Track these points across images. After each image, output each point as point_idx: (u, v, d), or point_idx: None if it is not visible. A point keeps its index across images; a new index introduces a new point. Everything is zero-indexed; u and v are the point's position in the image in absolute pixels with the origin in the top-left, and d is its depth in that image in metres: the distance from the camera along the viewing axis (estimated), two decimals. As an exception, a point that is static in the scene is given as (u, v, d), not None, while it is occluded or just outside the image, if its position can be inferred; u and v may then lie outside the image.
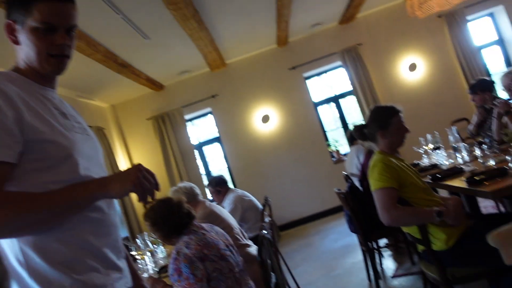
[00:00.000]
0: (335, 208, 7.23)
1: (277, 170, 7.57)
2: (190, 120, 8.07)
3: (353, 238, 5.00)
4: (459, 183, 2.63)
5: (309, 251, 5.58)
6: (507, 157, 2.51)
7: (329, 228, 6.54)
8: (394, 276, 3.71)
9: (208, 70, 7.64)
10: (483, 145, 3.21)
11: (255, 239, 2.86)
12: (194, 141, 7.89)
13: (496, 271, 2.13)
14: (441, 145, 3.78)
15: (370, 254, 3.62)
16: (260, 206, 4.04)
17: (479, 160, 3.07)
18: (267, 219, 2.97)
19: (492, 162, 2.80)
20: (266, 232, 2.30)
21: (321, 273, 4.47)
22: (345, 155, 7.44)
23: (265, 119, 7.58)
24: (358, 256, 4.40)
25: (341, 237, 5.61)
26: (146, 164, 1.26)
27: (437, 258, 2.21)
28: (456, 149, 3.44)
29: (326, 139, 7.76)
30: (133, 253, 3.26)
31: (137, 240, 3.31)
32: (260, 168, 7.59)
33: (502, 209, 4.06)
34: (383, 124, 2.44)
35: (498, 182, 2.25)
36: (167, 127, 7.53)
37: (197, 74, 7.68)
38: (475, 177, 2.44)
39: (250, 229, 3.86)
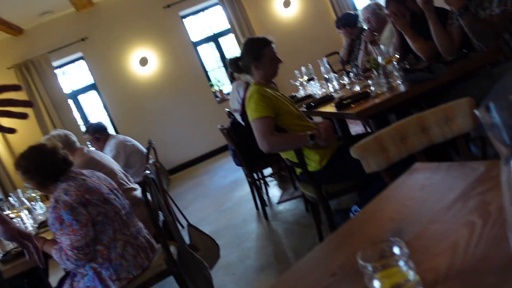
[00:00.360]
0: (223, 147, 7.39)
1: (161, 114, 7.41)
2: (60, 67, 7.40)
3: (241, 173, 5.19)
4: (330, 108, 2.84)
5: (199, 190, 5.69)
6: (369, 82, 2.74)
7: (217, 167, 6.69)
8: (279, 202, 3.97)
9: (73, 11, 6.97)
10: (350, 73, 3.48)
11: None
12: (67, 90, 7.30)
13: (362, 183, 2.38)
14: (314, 77, 4.00)
15: (256, 184, 3.81)
16: (144, 150, 3.95)
17: (346, 87, 3.33)
18: (151, 161, 2.92)
19: (357, 88, 3.05)
20: (149, 172, 2.26)
21: (212, 208, 4.61)
22: (228, 94, 7.52)
23: (143, 62, 7.26)
24: (246, 188, 4.59)
25: (229, 174, 5.79)
26: (13, 121, 1.09)
27: (312, 178, 2.40)
28: (327, 79, 3.66)
29: (209, 80, 7.74)
30: (7, 212, 3.01)
31: (10, 199, 3.05)
32: (143, 114, 7.36)
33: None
34: (256, 56, 2.48)
35: (362, 104, 2.47)
36: (33, 76, 6.83)
37: (62, 15, 6.97)
38: (343, 102, 2.65)
39: (136, 173, 3.77)
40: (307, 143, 2.31)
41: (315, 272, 0.90)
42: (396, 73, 2.64)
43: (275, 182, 4.62)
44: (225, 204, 4.56)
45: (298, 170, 2.53)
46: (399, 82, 2.59)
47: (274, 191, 4.37)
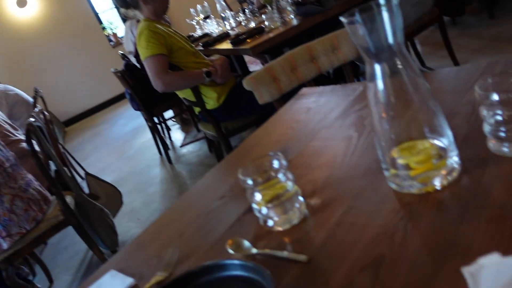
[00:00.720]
0: (122, 94, 7.04)
1: (49, 61, 6.79)
2: None
3: (142, 120, 5.01)
4: (226, 45, 2.80)
5: (99, 140, 5.44)
6: (264, 17, 2.73)
7: (117, 115, 6.41)
8: (183, 145, 3.93)
9: None
10: (246, 10, 3.43)
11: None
12: None
13: (261, 118, 2.42)
14: (210, 15, 3.89)
15: (157, 129, 3.72)
16: (30, 99, 3.62)
17: (242, 24, 3.29)
18: (37, 109, 2.69)
19: (253, 24, 3.03)
20: (34, 120, 2.08)
21: (113, 157, 4.45)
22: (123, 37, 7.08)
23: (22, 2, 6.49)
24: (148, 135, 4.47)
25: (130, 121, 5.58)
26: None
27: (212, 116, 2.38)
28: (224, 17, 3.59)
29: (100, 22, 7.19)
30: None
31: None
32: (28, 62, 6.68)
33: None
34: (144, -11, 2.32)
35: (257, 39, 2.47)
36: None
37: None
38: (239, 38, 2.63)
39: (23, 125, 3.46)
40: (203, 80, 2.27)
41: (205, 196, 0.90)
42: (289, 8, 2.66)
43: (177, 126, 4.55)
44: (127, 152, 4.42)
45: (197, 109, 2.49)
46: (291, 16, 2.61)
47: (177, 135, 4.31)
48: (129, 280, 0.71)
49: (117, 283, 0.72)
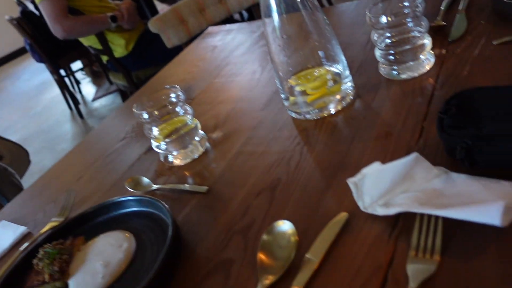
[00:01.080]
0: (25, 47, 6.44)
1: None
2: None
3: (49, 74, 4.67)
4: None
5: (0, 98, 4.99)
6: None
7: (20, 70, 5.88)
8: (94, 99, 3.72)
9: None
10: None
11: None
12: None
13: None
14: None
15: (65, 82, 3.48)
16: None
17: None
18: None
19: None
20: None
21: (18, 115, 4.12)
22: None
23: None
24: (56, 90, 4.17)
25: (35, 76, 5.16)
26: None
27: (121, 64, 2.25)
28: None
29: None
30: None
31: None
32: None
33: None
34: None
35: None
36: None
37: None
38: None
39: None
40: (109, 25, 2.11)
41: (105, 139, 0.86)
42: None
43: (88, 79, 4.28)
44: (33, 109, 4.10)
45: (104, 58, 2.35)
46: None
47: (88, 89, 4.06)
48: (22, 229, 0.67)
49: (8, 233, 0.67)
